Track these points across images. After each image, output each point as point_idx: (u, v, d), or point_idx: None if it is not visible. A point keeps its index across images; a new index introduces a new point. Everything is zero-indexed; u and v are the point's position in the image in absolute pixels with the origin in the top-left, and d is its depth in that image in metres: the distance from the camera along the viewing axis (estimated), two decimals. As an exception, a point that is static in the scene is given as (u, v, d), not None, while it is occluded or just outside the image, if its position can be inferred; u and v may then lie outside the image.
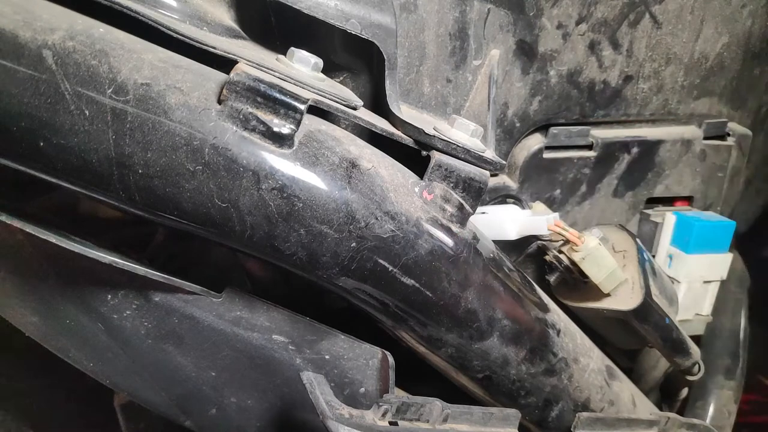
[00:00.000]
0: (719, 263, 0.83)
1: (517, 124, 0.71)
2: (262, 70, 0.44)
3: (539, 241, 0.73)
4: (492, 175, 0.66)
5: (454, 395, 0.59)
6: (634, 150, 0.78)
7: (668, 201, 0.85)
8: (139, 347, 0.52)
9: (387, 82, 0.53)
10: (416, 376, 0.63)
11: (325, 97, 0.46)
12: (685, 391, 0.97)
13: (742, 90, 0.82)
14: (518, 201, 0.74)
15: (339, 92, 0.48)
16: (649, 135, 0.78)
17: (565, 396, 0.63)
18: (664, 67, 0.75)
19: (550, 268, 0.73)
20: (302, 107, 0.43)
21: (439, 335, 0.53)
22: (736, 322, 0.99)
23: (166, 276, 0.49)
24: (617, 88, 0.74)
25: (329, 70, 0.56)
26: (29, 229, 0.46)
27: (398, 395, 0.50)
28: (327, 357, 0.55)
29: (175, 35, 0.44)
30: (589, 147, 0.76)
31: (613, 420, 0.62)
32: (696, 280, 0.83)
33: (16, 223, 0.46)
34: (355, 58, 0.58)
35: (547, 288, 0.72)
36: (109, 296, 0.51)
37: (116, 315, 0.51)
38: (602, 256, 0.67)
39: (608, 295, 0.69)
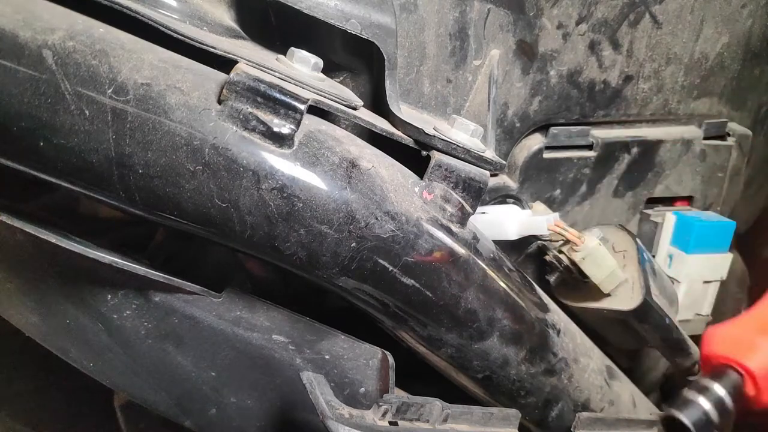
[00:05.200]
0: (719, 263, 0.83)
1: (517, 124, 0.71)
2: (262, 70, 0.44)
3: (539, 241, 0.73)
4: (492, 175, 0.66)
5: (454, 395, 0.59)
6: (634, 150, 0.78)
7: (668, 201, 0.85)
8: (139, 347, 0.52)
9: (387, 82, 0.53)
10: (416, 376, 0.63)
11: (325, 97, 0.46)
12: (685, 391, 0.97)
13: (742, 90, 0.82)
14: (518, 201, 0.74)
15: (339, 92, 0.48)
16: (649, 135, 0.78)
17: (565, 396, 0.63)
18: (664, 67, 0.75)
19: (550, 268, 0.73)
20: (302, 107, 0.43)
21: (439, 335, 0.53)
22: (736, 322, 0.99)
23: (166, 276, 0.49)
24: (617, 88, 0.74)
25: (329, 70, 0.56)
26: (29, 229, 0.46)
27: (398, 395, 0.50)
28: (327, 357, 0.55)
29: (175, 35, 0.44)
30: (589, 147, 0.76)
31: (613, 420, 0.62)
32: (696, 280, 0.83)
33: (16, 223, 0.46)
34: (355, 58, 0.58)
35: (547, 288, 0.72)
36: (109, 296, 0.51)
37: (116, 315, 0.51)
38: (602, 256, 0.67)
39: (608, 295, 0.69)
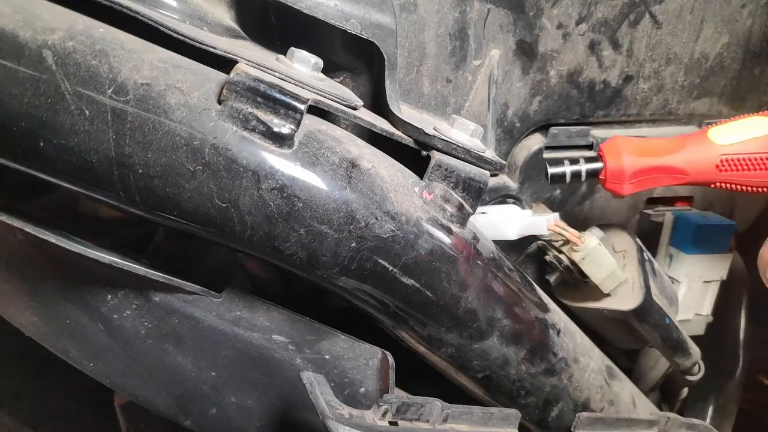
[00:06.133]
0: (719, 263, 0.83)
1: (517, 124, 0.71)
2: (262, 70, 0.44)
3: (539, 241, 0.73)
4: (492, 175, 0.66)
5: (454, 395, 0.59)
6: (634, 150, 0.78)
7: (668, 201, 0.85)
8: (139, 347, 0.52)
9: (387, 82, 0.53)
10: (416, 376, 0.63)
11: (325, 97, 0.46)
12: (685, 391, 0.97)
13: (742, 90, 0.82)
14: (518, 201, 0.74)
15: (339, 92, 0.48)
16: (649, 135, 0.78)
17: (565, 396, 0.63)
18: (664, 67, 0.75)
19: (550, 268, 0.73)
20: (302, 107, 0.43)
21: (439, 335, 0.53)
22: (736, 322, 0.99)
23: (166, 276, 0.49)
24: (617, 88, 0.74)
25: (329, 70, 0.56)
26: (29, 229, 0.46)
27: (398, 395, 0.50)
28: (327, 357, 0.55)
29: (175, 35, 0.44)
30: (589, 147, 0.76)
31: (613, 420, 0.62)
32: (696, 280, 0.83)
33: (16, 223, 0.46)
34: (355, 58, 0.58)
35: (547, 288, 0.72)
36: (109, 296, 0.51)
37: (116, 315, 0.51)
38: (602, 256, 0.67)
39: (608, 295, 0.69)
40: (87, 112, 0.40)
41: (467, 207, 0.52)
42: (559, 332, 0.62)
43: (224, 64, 0.44)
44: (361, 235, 0.46)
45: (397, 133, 0.53)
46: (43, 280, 0.51)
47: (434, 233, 0.50)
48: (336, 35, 0.55)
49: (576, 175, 0.64)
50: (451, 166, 0.51)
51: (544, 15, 0.66)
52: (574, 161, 0.64)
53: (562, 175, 0.65)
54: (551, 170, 0.65)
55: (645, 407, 0.75)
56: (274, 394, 0.56)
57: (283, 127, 0.43)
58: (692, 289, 0.83)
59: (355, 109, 0.49)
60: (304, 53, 0.48)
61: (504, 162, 0.63)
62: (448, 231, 0.51)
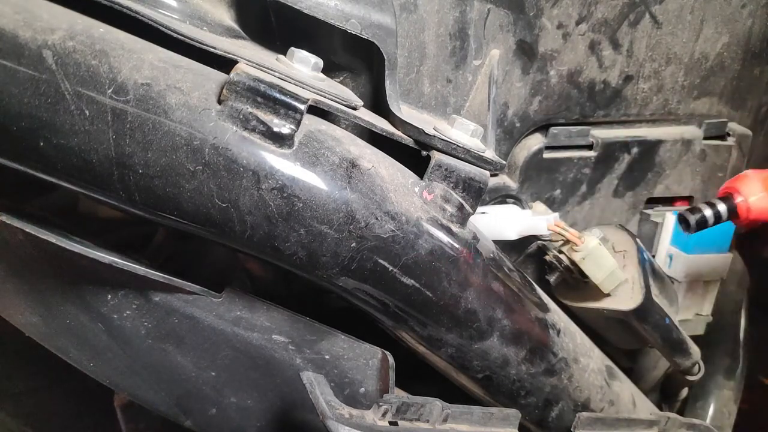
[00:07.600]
0: (719, 263, 0.83)
1: (517, 124, 0.71)
2: (262, 70, 0.44)
3: (539, 241, 0.73)
4: (492, 175, 0.66)
5: (454, 395, 0.59)
6: (634, 150, 0.78)
7: (668, 201, 0.85)
8: (139, 347, 0.52)
9: (387, 82, 0.53)
10: (416, 376, 0.63)
11: (325, 97, 0.46)
12: (685, 391, 0.97)
13: (742, 90, 0.82)
14: (518, 201, 0.74)
15: (339, 92, 0.48)
16: (649, 135, 0.78)
17: (565, 396, 0.63)
18: (664, 67, 0.75)
19: (550, 268, 0.73)
20: (302, 107, 0.43)
21: (439, 335, 0.53)
22: (736, 322, 0.99)
23: (166, 276, 0.49)
24: (617, 88, 0.74)
25: (329, 70, 0.56)
26: (29, 229, 0.46)
27: (398, 395, 0.50)
28: (327, 357, 0.55)
29: (175, 35, 0.44)
30: (589, 147, 0.76)
31: (613, 420, 0.62)
32: (696, 280, 0.83)
33: (16, 223, 0.46)
34: (355, 58, 0.58)
35: (547, 288, 0.72)
36: (109, 296, 0.51)
37: (116, 315, 0.51)
38: (602, 256, 0.67)
39: (608, 295, 0.69)
40: (87, 112, 0.40)
41: (467, 207, 0.52)
42: (559, 332, 0.62)
43: (224, 64, 0.45)
44: (361, 235, 0.46)
45: (397, 133, 0.53)
46: (43, 280, 0.51)
47: (434, 233, 0.50)
48: (336, 35, 0.55)
49: (717, 218, 0.65)
50: (451, 166, 0.51)
51: (544, 15, 0.66)
52: (711, 204, 0.65)
53: (704, 223, 0.66)
54: (692, 220, 0.66)
55: (645, 407, 0.75)
56: (274, 394, 0.56)
57: (283, 127, 0.43)
58: (692, 289, 0.84)
59: (355, 109, 0.49)
60: (304, 53, 0.48)
61: (504, 162, 0.63)
62: (448, 231, 0.51)
